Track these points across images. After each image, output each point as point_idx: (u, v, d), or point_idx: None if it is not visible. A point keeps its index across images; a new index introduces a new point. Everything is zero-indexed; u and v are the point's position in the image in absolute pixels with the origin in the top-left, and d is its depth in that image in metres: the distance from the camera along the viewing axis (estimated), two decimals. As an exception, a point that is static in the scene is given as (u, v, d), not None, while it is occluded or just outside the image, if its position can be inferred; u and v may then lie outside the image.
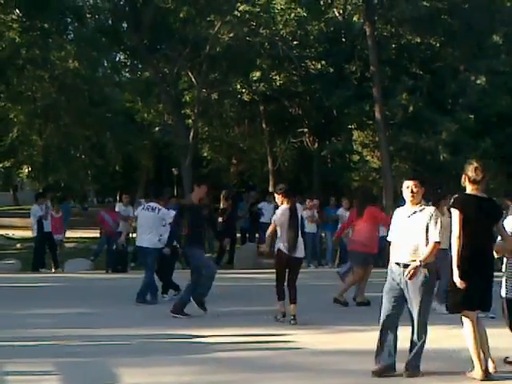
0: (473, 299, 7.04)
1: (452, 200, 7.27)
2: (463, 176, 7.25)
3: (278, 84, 31.63)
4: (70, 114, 30.42)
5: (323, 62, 30.85)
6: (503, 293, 7.74)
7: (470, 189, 7.19)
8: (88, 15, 29.50)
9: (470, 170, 7.17)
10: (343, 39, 31.55)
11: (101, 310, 11.62)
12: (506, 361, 7.77)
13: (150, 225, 12.35)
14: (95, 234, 22.30)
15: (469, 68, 28.84)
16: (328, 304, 11.91)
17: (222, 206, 20.31)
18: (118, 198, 32.92)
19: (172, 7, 28.13)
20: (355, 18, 32.41)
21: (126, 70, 35.91)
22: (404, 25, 28.79)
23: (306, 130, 33.83)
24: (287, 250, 10.31)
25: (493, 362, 7.30)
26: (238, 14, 28.55)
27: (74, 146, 32.95)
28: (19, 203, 49.71)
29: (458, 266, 7.00)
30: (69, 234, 25.00)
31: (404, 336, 7.29)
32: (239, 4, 28.42)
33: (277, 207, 11.18)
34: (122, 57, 34.44)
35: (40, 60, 28.23)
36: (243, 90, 32.11)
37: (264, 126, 34.27)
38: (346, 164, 33.78)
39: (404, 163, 29.86)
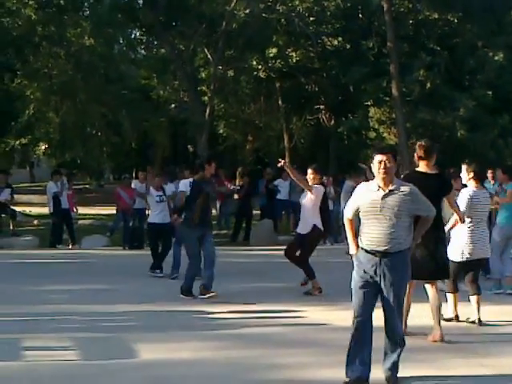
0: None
1: (401, 177, 7.84)
2: (415, 154, 8.10)
3: (294, 61, 31.42)
4: (86, 92, 30.37)
5: (340, 39, 30.62)
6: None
7: (420, 165, 7.97)
8: (104, -9, 29.40)
9: (418, 149, 8.01)
10: (360, 15, 31.25)
11: (118, 286, 11.67)
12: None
13: None
14: (111, 210, 22.38)
15: (487, 44, 28.55)
16: (346, 280, 11.86)
17: (237, 183, 20.31)
18: (133, 175, 32.92)
19: (189, -17, 28.00)
20: (372, -6, 32.09)
21: (142, 46, 35.78)
22: (421, 0, 28.51)
23: (322, 106, 33.64)
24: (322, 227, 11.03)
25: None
26: (254, -10, 28.35)
27: (90, 123, 32.94)
28: (36, 180, 49.87)
29: None
30: (85, 210, 25.11)
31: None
32: (255, -20, 28.22)
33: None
34: (137, 34, 34.31)
35: (56, 37, 28.18)
36: (259, 67, 31.95)
37: (280, 102, 34.09)
38: (362, 141, 33.61)
39: (421, 140, 29.68)
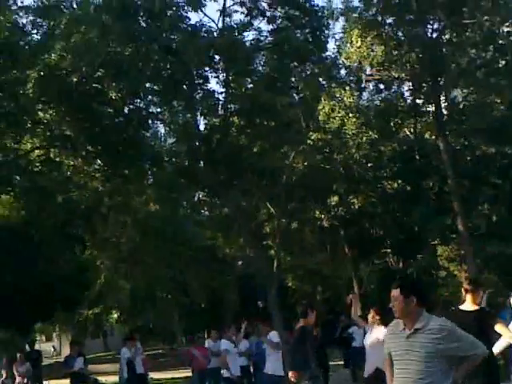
0: None
1: None
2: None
3: (356, 207, 31.66)
4: (153, 256, 30.92)
5: (399, 181, 30.86)
6: None
7: (466, 298, 7.92)
8: (165, 159, 30.41)
9: (464, 281, 8.19)
10: (417, 156, 31.60)
11: None
12: None
13: None
14: (186, 373, 22.13)
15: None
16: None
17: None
18: (205, 334, 32.75)
19: (246, 143, 28.78)
20: (427, 135, 32.53)
21: (205, 207, 36.54)
22: (477, 136, 28.75)
23: (388, 250, 33.48)
24: None
25: None
26: (311, 143, 29.01)
27: (160, 287, 33.30)
28: (109, 349, 49.95)
29: None
30: (160, 375, 24.93)
31: None
32: (311, 133, 28.93)
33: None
34: (200, 195, 35.13)
35: (122, 206, 29.02)
36: (322, 216, 32.20)
37: (346, 250, 34.08)
38: (432, 281, 33.08)
39: (493, 274, 29.12)
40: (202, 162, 30.05)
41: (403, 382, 5.24)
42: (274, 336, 12.48)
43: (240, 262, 35.91)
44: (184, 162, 30.80)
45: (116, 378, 25.58)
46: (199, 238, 36.35)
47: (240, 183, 29.60)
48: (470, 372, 7.68)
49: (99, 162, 27.09)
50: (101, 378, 28.55)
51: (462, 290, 8.10)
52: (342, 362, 22.06)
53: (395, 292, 5.40)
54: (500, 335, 8.45)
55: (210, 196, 33.50)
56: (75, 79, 22.50)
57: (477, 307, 7.93)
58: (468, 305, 7.96)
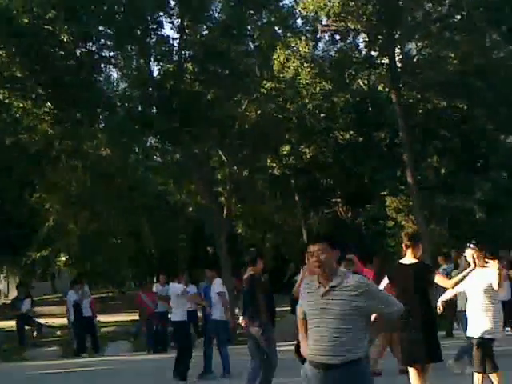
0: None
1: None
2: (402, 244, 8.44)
3: (308, 156, 31.82)
4: (104, 201, 30.75)
5: (351, 132, 31.03)
6: None
7: (406, 254, 8.24)
8: (118, 103, 30.07)
9: (403, 237, 8.43)
10: (370, 108, 31.76)
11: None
12: None
13: None
14: (134, 316, 22.28)
15: (498, 128, 28.84)
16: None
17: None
18: (155, 279, 32.92)
19: (199, 90, 28.60)
20: (380, 87, 32.70)
21: (157, 153, 36.32)
22: (430, 90, 28.97)
23: (338, 199, 33.81)
24: None
25: None
26: (265, 92, 28.93)
27: (110, 231, 33.21)
28: (57, 292, 49.84)
29: None
30: (108, 317, 25.05)
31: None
32: (265, 82, 28.83)
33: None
34: (152, 141, 34.87)
35: (73, 150, 28.70)
36: (274, 165, 32.32)
37: (296, 198, 34.30)
38: (380, 230, 33.59)
39: (440, 226, 29.65)
40: (154, 108, 29.83)
41: (320, 340, 4.97)
42: (218, 284, 12.61)
43: (191, 209, 35.88)
44: (137, 107, 30.52)
45: (64, 320, 25.66)
46: (150, 183, 36.19)
47: (192, 130, 29.48)
48: (409, 325, 8.02)
49: (49, 104, 26.69)
50: (48, 320, 28.56)
51: (403, 245, 8.38)
52: (288, 308, 22.34)
53: (320, 245, 5.09)
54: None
55: (162, 142, 33.27)
56: (26, 20, 22.01)
57: (416, 261, 8.23)
58: (408, 259, 8.25)
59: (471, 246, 9.07)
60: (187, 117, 27.91)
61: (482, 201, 26.69)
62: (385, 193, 30.84)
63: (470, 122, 29.41)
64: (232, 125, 28.36)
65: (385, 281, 8.56)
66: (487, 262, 8.96)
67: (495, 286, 8.69)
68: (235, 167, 30.46)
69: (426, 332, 7.98)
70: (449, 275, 12.63)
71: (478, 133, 28.99)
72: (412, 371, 8.07)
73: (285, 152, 31.37)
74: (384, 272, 12.02)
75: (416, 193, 26.76)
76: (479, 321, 8.79)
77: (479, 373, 8.86)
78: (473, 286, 8.89)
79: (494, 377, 8.89)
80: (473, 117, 29.24)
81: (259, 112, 29.18)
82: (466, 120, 29.45)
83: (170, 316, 15.27)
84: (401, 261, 8.47)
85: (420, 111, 30.42)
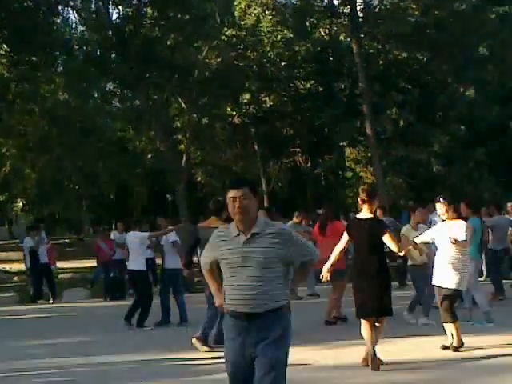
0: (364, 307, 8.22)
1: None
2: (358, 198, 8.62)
3: (268, 105, 31.75)
4: (61, 146, 30.42)
5: (312, 82, 30.99)
6: None
7: (363, 208, 8.41)
8: (76, 47, 29.60)
9: (360, 192, 8.52)
10: (331, 58, 31.70)
11: (100, 337, 11.56)
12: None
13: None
14: (92, 263, 22.25)
15: (457, 80, 29.00)
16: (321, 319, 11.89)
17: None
18: (113, 226, 32.81)
19: (159, 35, 28.27)
20: (342, 37, 32.58)
21: (116, 99, 35.95)
22: (390, 41, 28.98)
23: (298, 149, 33.91)
24: None
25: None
26: (225, 39, 28.68)
27: (68, 177, 32.93)
28: (14, 237, 49.58)
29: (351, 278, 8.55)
30: (65, 264, 24.96)
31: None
32: (226, 28, 28.56)
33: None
34: (111, 86, 34.48)
35: (30, 94, 28.28)
36: (234, 113, 32.22)
37: (256, 147, 34.33)
38: (339, 181, 33.84)
39: (397, 177, 29.94)
40: (113, 53, 29.41)
41: (241, 289, 4.77)
42: (171, 233, 12.65)
43: (150, 156, 35.69)
44: (95, 51, 30.08)
45: (21, 266, 25.55)
46: (109, 129, 35.88)
47: (152, 76, 29.17)
48: (363, 279, 8.13)
49: (5, 47, 26.18)
50: (5, 266, 28.44)
51: (359, 200, 8.48)
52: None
53: (243, 190, 4.83)
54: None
55: (121, 88, 32.91)
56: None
57: (371, 216, 8.36)
58: (364, 213, 8.37)
59: (441, 199, 9.19)
60: (147, 62, 27.59)
61: (440, 153, 26.95)
62: (344, 143, 30.99)
63: (429, 75, 29.51)
64: (192, 71, 28.10)
65: (344, 237, 8.63)
66: (457, 216, 9.17)
67: (460, 239, 8.84)
68: (195, 115, 30.31)
69: (379, 286, 8.14)
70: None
71: (437, 85, 29.12)
72: (364, 324, 8.21)
73: (245, 100, 31.27)
74: (332, 220, 12.18)
75: (375, 144, 26.93)
76: (447, 272, 8.97)
77: (447, 323, 9.06)
78: (442, 238, 9.08)
79: (452, 327, 9.12)
80: (433, 69, 29.35)
81: (219, 59, 28.98)
82: (426, 72, 29.54)
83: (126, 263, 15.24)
84: (357, 215, 8.62)
85: (380, 62, 30.45)
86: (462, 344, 8.99)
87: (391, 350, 8.94)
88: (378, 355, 8.09)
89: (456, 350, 8.92)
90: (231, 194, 4.83)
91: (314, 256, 5.05)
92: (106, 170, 32.82)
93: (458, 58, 28.71)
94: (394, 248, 8.28)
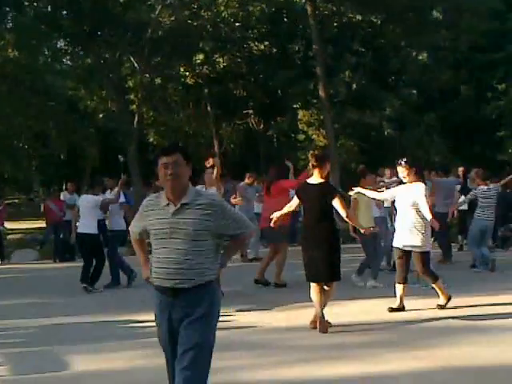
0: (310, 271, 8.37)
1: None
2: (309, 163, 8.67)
3: (221, 66, 31.53)
4: (11, 104, 29.85)
5: (266, 43, 30.83)
6: None
7: (313, 173, 8.45)
8: (26, 3, 28.94)
9: (310, 157, 8.61)
10: (285, 19, 31.52)
11: (50, 299, 11.49)
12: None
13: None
14: (42, 224, 22.03)
15: (410, 44, 29.11)
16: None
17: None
18: (63, 187, 32.50)
19: (112, -8, 27.79)
20: (296, -2, 32.38)
21: (67, 57, 35.34)
22: (345, 3, 28.89)
23: (251, 111, 33.81)
24: None
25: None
26: (179, -3, 28.33)
27: (17, 136, 32.38)
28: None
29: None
30: (15, 225, 24.67)
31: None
32: (180, -13, 28.20)
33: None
34: (62, 44, 33.85)
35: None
36: (187, 74, 31.94)
37: (209, 108, 34.13)
38: (291, 143, 33.89)
39: (349, 140, 30.09)
40: (64, 10, 28.86)
41: (168, 262, 4.54)
42: (120, 194, 12.59)
43: (101, 115, 35.24)
44: (46, 8, 29.47)
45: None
46: (60, 88, 35.25)
47: (104, 34, 28.72)
48: (312, 243, 8.21)
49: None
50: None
51: (310, 165, 8.54)
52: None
53: (175, 157, 4.58)
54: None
55: (73, 45, 32.33)
56: None
57: (322, 181, 8.38)
58: (314, 178, 8.42)
59: (402, 162, 9.31)
60: (98, 20, 27.13)
61: (392, 117, 27.13)
62: (297, 106, 30.98)
63: (383, 38, 29.56)
64: (144, 30, 27.72)
65: (295, 199, 8.70)
66: (417, 178, 9.33)
67: (420, 202, 9.03)
68: (147, 75, 29.95)
69: (327, 251, 8.20)
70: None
71: (390, 49, 29.21)
72: (314, 287, 8.27)
73: (198, 61, 31.00)
74: (277, 180, 12.22)
75: (327, 107, 26.94)
76: (410, 234, 9.14)
77: (400, 283, 9.23)
78: (402, 201, 9.25)
79: (436, 287, 9.31)
80: (386, 32, 29.39)
81: (173, 18, 28.60)
82: (380, 35, 29.58)
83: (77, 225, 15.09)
84: (308, 180, 8.63)
85: (335, 24, 30.37)
86: (450, 298, 9.33)
87: (340, 312, 9.05)
88: (326, 318, 8.18)
89: (442, 307, 9.23)
90: (163, 160, 4.57)
91: (246, 230, 4.79)
92: (56, 128, 32.31)
93: (412, 21, 28.77)
94: (343, 213, 8.31)
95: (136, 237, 5.01)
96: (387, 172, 14.17)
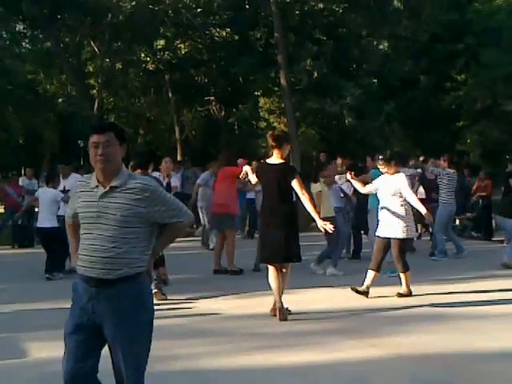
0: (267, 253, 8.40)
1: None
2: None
3: (182, 52, 31.37)
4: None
5: (228, 30, 30.70)
6: None
7: (273, 154, 8.48)
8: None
9: (269, 138, 8.68)
10: (247, 6, 31.40)
11: (7, 285, 11.40)
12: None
13: None
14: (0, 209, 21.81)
15: (371, 33, 29.25)
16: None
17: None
18: (22, 172, 32.11)
19: (72, -25, 27.45)
20: (259, -15, 32.28)
21: (27, 40, 34.91)
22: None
23: (212, 98, 33.69)
24: None
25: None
26: (140, -18, 28.06)
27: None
28: None
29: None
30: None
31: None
32: (141, -29, 27.92)
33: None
34: (21, 27, 33.41)
35: None
36: (148, 59, 31.72)
37: (170, 95, 33.93)
38: (253, 131, 33.90)
39: (310, 129, 30.21)
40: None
41: (92, 250, 4.12)
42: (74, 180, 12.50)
43: (61, 100, 34.89)
44: (4, -10, 29.01)
45: None
46: (19, 71, 34.84)
47: (64, 18, 28.40)
48: (270, 223, 8.26)
49: None
50: None
51: (270, 145, 8.62)
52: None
53: (107, 136, 4.17)
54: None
55: (32, 29, 31.92)
56: None
57: (281, 161, 8.43)
58: (274, 159, 8.46)
59: (380, 157, 9.80)
60: (59, 3, 26.83)
61: (352, 106, 27.26)
62: (258, 93, 30.98)
63: (344, 27, 29.65)
64: (105, 15, 27.46)
65: (253, 177, 8.79)
66: (396, 170, 9.65)
67: (404, 192, 9.34)
68: (108, 59, 29.71)
69: (286, 232, 8.19)
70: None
71: (351, 38, 29.31)
72: (271, 269, 8.31)
73: (159, 46, 30.79)
74: (224, 166, 12.28)
75: (289, 95, 26.96)
76: (393, 223, 9.35)
77: (373, 270, 9.39)
78: (383, 192, 9.51)
79: (403, 276, 9.46)
80: (348, 21, 29.47)
81: (134, 3, 28.32)
82: (342, 24, 29.66)
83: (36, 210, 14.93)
84: (267, 160, 8.65)
85: (297, 12, 30.34)
86: (411, 293, 9.52)
87: (300, 299, 9.15)
88: (286, 305, 8.24)
89: (402, 296, 9.42)
90: (93, 138, 4.16)
91: (183, 218, 4.32)
92: (15, 113, 31.99)
93: (373, 10, 28.90)
94: (301, 195, 8.25)
95: (69, 221, 4.58)
96: (338, 161, 14.19)
